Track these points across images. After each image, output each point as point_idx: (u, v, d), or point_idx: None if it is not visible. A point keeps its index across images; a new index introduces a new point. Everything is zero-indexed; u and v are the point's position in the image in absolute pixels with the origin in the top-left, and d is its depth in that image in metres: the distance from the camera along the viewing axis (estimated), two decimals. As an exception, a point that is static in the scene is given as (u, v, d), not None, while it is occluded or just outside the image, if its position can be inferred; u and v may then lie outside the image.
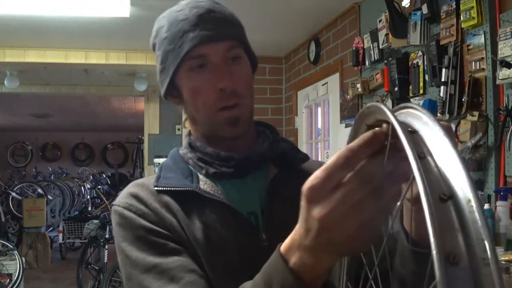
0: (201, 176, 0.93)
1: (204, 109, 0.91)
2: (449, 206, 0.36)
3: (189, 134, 1.00)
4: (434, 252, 0.33)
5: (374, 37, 3.16)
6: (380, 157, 0.48)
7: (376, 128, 0.50)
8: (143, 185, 0.92)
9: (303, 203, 0.52)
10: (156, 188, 0.90)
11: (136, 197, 0.89)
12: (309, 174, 0.99)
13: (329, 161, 0.49)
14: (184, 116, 1.04)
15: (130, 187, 0.93)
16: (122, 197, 0.91)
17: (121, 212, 0.88)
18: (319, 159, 4.61)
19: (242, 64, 0.93)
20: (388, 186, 0.48)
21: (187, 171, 0.93)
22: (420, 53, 2.67)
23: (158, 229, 0.85)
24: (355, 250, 0.52)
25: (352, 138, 0.56)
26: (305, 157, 1.00)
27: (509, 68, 2.00)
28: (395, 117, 0.44)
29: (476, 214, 0.35)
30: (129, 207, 0.87)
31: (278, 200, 0.92)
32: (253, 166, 0.94)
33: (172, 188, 0.89)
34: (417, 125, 0.46)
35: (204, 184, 0.92)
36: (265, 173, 0.95)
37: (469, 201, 0.36)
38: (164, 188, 0.89)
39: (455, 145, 0.41)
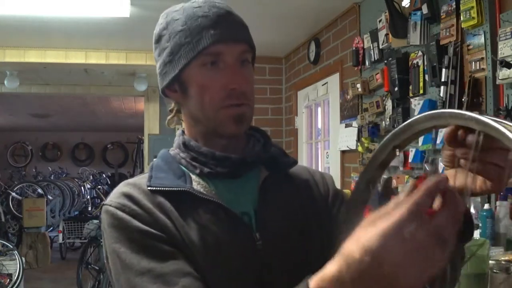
0: (193, 176, 0.93)
1: (210, 104, 0.91)
2: None
3: (183, 133, 1.00)
4: None
5: (374, 37, 3.16)
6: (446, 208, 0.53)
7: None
8: (135, 185, 0.90)
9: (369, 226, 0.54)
10: (149, 188, 0.89)
11: (128, 196, 0.87)
12: (297, 178, 1.04)
13: (397, 213, 0.52)
14: (169, 115, 1.05)
15: (122, 187, 0.91)
16: (114, 196, 0.89)
17: (113, 213, 0.86)
18: (319, 159, 4.61)
19: (249, 69, 0.95)
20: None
21: (179, 171, 0.93)
22: (420, 53, 2.67)
23: (152, 231, 0.84)
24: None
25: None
26: (294, 162, 1.03)
27: (509, 68, 2.00)
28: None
29: None
30: (122, 207, 0.86)
31: (269, 201, 0.94)
32: (248, 167, 0.95)
33: (166, 188, 0.88)
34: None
35: (197, 184, 0.91)
36: (256, 174, 0.97)
37: None
38: (158, 188, 0.88)
39: None
